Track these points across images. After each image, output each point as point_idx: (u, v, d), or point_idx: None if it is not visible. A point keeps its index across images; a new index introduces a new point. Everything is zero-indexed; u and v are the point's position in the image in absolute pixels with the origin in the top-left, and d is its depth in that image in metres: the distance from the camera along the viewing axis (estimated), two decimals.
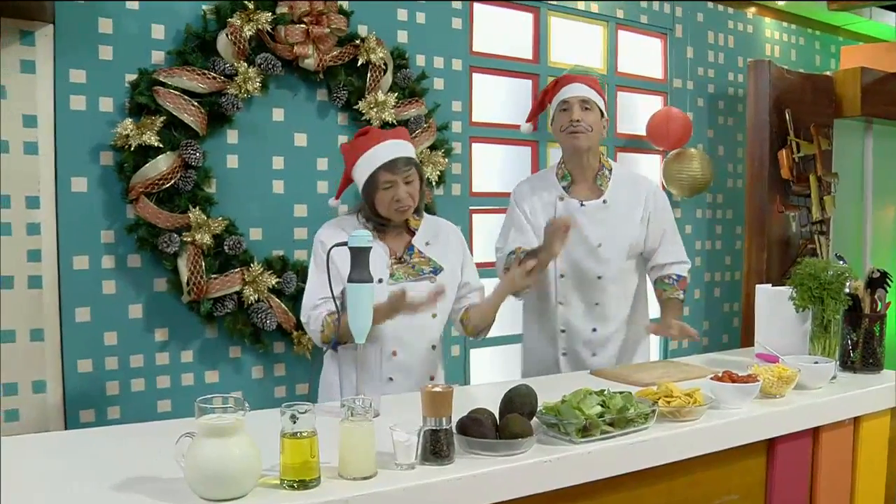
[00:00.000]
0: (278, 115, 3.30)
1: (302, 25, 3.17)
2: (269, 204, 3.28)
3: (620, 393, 1.78)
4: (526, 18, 4.03)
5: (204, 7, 3.08)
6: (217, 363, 3.22)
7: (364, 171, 2.34)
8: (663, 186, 4.42)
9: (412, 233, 2.43)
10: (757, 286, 2.65)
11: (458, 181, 3.78)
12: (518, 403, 1.63)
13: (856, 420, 2.23)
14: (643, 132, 4.31)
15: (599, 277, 2.68)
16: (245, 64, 3.08)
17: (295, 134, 3.35)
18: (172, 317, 3.10)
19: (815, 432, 2.13)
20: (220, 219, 3.05)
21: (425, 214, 2.51)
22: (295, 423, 1.38)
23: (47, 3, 2.72)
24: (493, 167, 3.97)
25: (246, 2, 3.07)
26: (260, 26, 3.08)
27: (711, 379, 1.98)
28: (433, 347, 2.40)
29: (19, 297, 2.83)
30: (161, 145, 2.91)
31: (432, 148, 3.56)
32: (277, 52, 3.16)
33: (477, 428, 1.55)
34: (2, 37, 2.76)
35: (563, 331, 2.72)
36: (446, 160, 3.60)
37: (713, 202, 4.72)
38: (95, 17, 2.92)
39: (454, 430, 1.55)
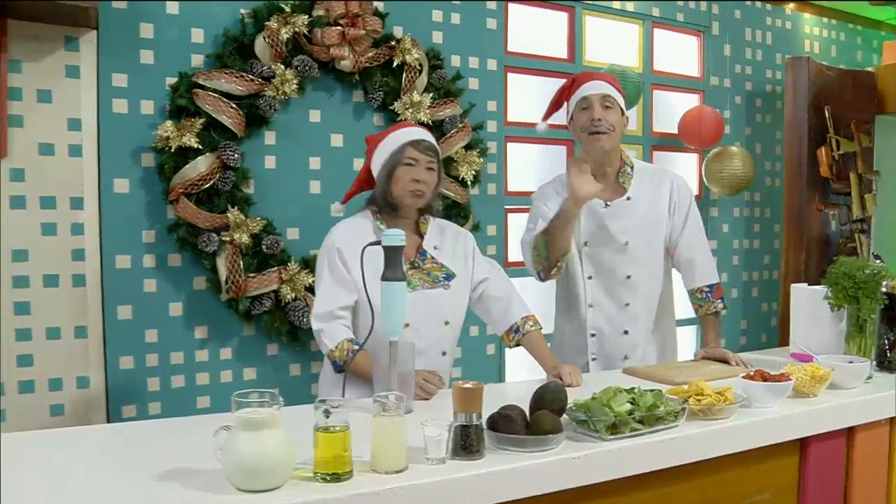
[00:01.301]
0: (315, 116, 3.35)
1: (338, 27, 3.21)
2: (306, 204, 3.33)
3: (651, 391, 1.78)
4: (561, 18, 4.04)
5: (242, 11, 3.14)
6: (255, 361, 3.28)
7: (389, 148, 2.29)
8: (703, 185, 4.39)
9: (422, 236, 2.38)
10: (792, 285, 2.62)
11: (494, 181, 3.80)
12: (548, 400, 1.65)
13: (892, 420, 2.20)
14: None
15: (629, 277, 2.63)
16: (282, 66, 3.13)
17: (331, 135, 3.40)
18: (212, 315, 3.16)
19: (849, 432, 2.10)
20: (258, 219, 3.11)
21: (431, 218, 2.44)
22: (328, 417, 1.41)
23: (91, 9, 2.79)
24: (528, 167, 3.98)
25: (283, 5, 3.12)
26: (297, 29, 3.14)
27: (743, 378, 1.97)
28: (443, 354, 2.36)
29: (64, 295, 2.91)
30: (200, 147, 2.98)
31: (467, 148, 3.58)
32: (314, 54, 3.21)
33: (507, 424, 1.56)
34: (47, 43, 2.85)
35: (593, 335, 2.67)
36: (481, 160, 3.62)
37: (751, 200, 4.67)
38: (137, 23, 2.99)
39: (485, 426, 1.57)
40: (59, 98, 2.88)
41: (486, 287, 2.43)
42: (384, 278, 1.86)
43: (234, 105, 3.04)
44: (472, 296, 2.44)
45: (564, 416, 1.68)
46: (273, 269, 3.14)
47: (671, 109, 4.33)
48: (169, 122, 2.96)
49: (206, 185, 3.00)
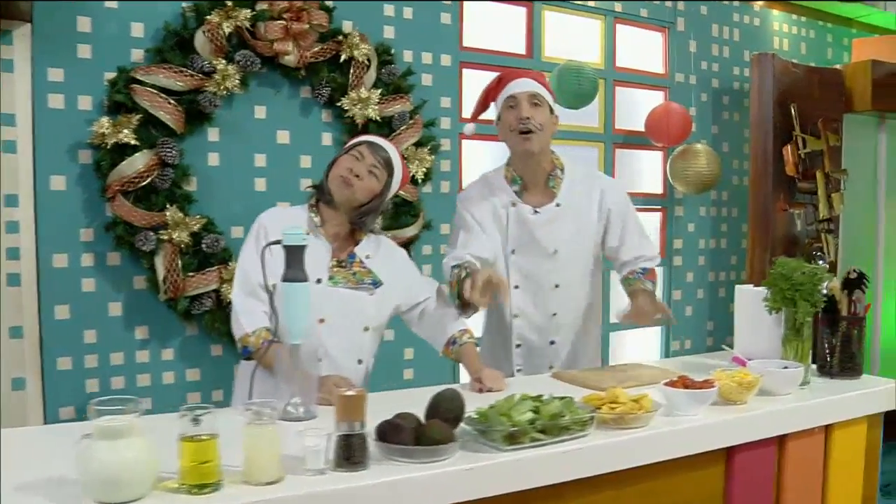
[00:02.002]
0: (260, 112, 3.29)
1: (281, 22, 3.15)
2: (250, 202, 3.25)
3: (561, 398, 1.72)
4: (519, 12, 3.97)
5: (183, 5, 3.07)
6: (198, 361, 3.22)
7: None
8: (668, 183, 4.32)
9: (356, 242, 2.32)
10: (736, 287, 2.57)
11: (448, 178, 3.73)
12: (443, 409, 1.58)
13: (827, 428, 2.13)
14: (643, 128, 4.22)
15: (557, 286, 2.55)
16: (224, 61, 3.07)
17: (277, 131, 3.34)
18: (152, 315, 3.10)
19: (780, 441, 2.03)
20: (198, 217, 3.04)
21: (369, 233, 2.36)
22: (198, 425, 1.35)
23: (25, 2, 2.73)
24: (485, 164, 3.90)
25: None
26: (239, 23, 3.07)
27: (665, 384, 1.91)
28: (359, 362, 2.28)
29: None
30: (138, 143, 2.91)
31: (418, 145, 3.51)
32: (257, 49, 3.15)
33: (395, 433, 1.50)
34: None
35: (518, 345, 2.59)
36: (432, 157, 3.56)
37: (718, 199, 4.61)
38: (74, 16, 2.93)
39: (375, 436, 1.51)
40: None
41: (426, 305, 2.38)
42: (285, 279, 1.80)
43: (172, 101, 2.97)
44: (412, 315, 2.38)
45: (463, 425, 1.62)
46: (213, 268, 3.07)
47: (635, 107, 4.27)
48: (105, 118, 2.90)
49: (144, 183, 2.94)
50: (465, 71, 3.80)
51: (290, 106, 3.36)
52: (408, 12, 3.59)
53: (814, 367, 2.35)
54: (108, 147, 2.89)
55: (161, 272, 2.99)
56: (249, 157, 3.28)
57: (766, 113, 4.13)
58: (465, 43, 3.80)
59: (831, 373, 2.32)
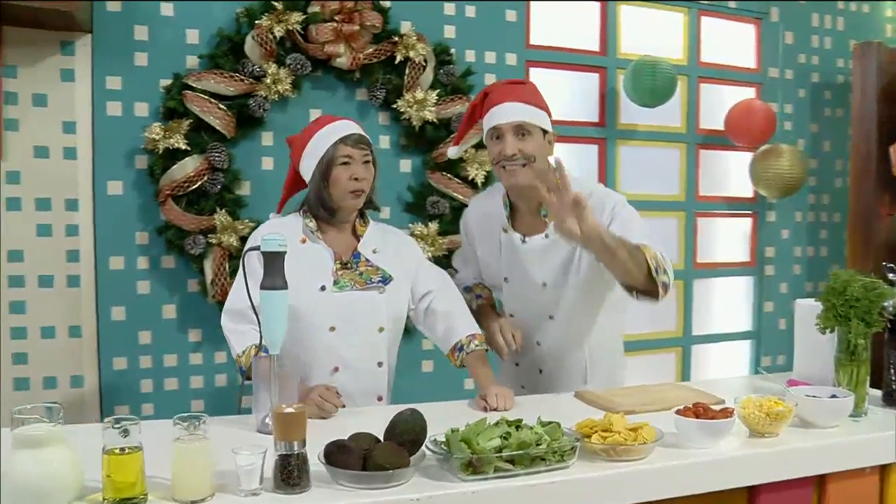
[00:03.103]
0: (315, 115, 3.26)
1: (332, 24, 3.11)
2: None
3: (547, 424, 1.57)
4: (593, 7, 3.77)
5: (237, 10, 3.09)
6: None
7: (319, 148, 2.14)
8: (754, 187, 4.01)
9: (358, 238, 2.23)
10: (796, 301, 2.31)
11: None
12: (398, 431, 1.46)
13: (883, 470, 1.85)
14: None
15: (551, 317, 2.33)
16: (275, 65, 3.06)
17: None
18: (205, 318, 3.13)
19: (820, 482, 1.78)
20: (247, 220, 3.05)
21: (371, 221, 2.29)
22: (126, 436, 1.30)
23: (85, 12, 2.82)
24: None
25: (275, 2, 3.05)
26: (290, 26, 3.06)
27: (676, 412, 1.71)
28: (379, 365, 2.19)
29: (59, 295, 2.96)
30: (189, 148, 2.95)
31: (478, 147, 3.39)
32: (309, 52, 3.12)
33: (342, 456, 1.40)
34: (43, 47, 2.90)
35: (517, 364, 2.45)
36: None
37: (816, 203, 4.23)
38: (131, 25, 3.00)
39: (322, 456, 1.42)
40: (54, 101, 2.92)
41: (431, 300, 2.25)
42: (262, 287, 1.73)
43: (221, 106, 2.99)
44: (418, 310, 2.27)
45: (427, 448, 1.50)
46: None
47: (722, 105, 3.96)
48: (156, 124, 2.95)
49: (194, 187, 2.97)
50: (532, 70, 3.65)
51: (346, 109, 3.31)
52: (470, 10, 3.48)
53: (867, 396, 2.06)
54: (160, 152, 2.95)
55: (209, 275, 3.01)
56: None
57: (869, 108, 3.75)
58: (532, 41, 3.65)
59: None
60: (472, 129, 2.48)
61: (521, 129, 2.20)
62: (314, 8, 3.12)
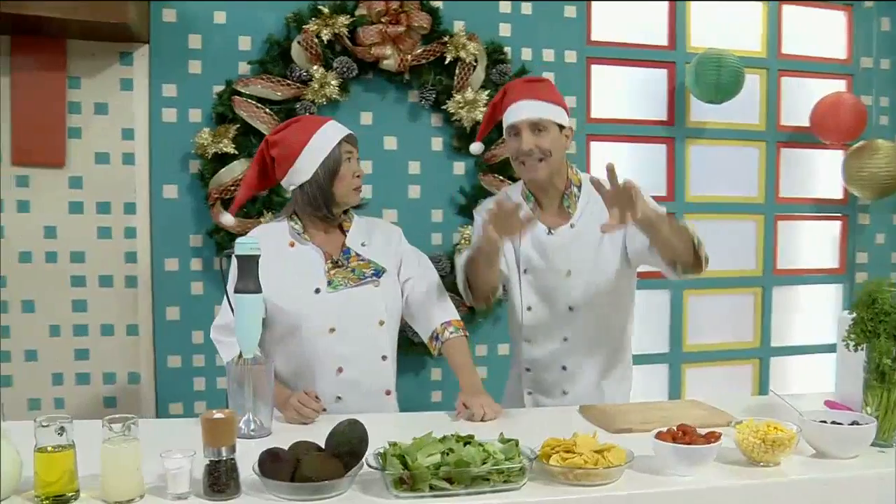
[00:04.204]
0: (366, 118, 3.27)
1: (378, 26, 3.10)
2: (356, 209, 3.25)
3: (507, 441, 1.48)
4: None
5: (287, 16, 3.13)
6: None
7: (325, 146, 2.15)
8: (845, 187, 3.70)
9: (345, 234, 2.23)
10: (841, 314, 2.09)
11: None
12: (334, 442, 1.41)
13: None
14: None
15: (571, 309, 2.30)
16: (322, 69, 3.08)
17: (384, 137, 3.30)
18: None
19: None
20: None
21: (354, 214, 2.30)
22: (62, 434, 1.33)
23: (143, 24, 2.95)
24: (621, 167, 3.55)
25: (321, 7, 3.07)
26: (336, 30, 3.07)
27: (655, 435, 1.57)
28: (384, 358, 2.17)
29: (117, 294, 3.09)
30: (237, 152, 3.02)
31: None
32: (357, 55, 3.13)
33: (272, 465, 1.36)
34: (104, 59, 3.04)
35: (528, 370, 2.39)
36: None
37: None
38: (186, 34, 3.10)
39: (256, 464, 1.39)
40: (114, 110, 3.06)
41: (410, 288, 2.25)
42: (236, 290, 1.73)
43: (267, 110, 3.04)
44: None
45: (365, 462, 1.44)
46: None
47: (808, 100, 3.65)
48: (206, 129, 3.03)
49: None
50: (593, 67, 3.51)
51: (397, 111, 3.31)
52: (526, 8, 3.39)
53: None
54: (210, 157, 3.03)
55: None
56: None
57: None
58: (594, 37, 3.51)
59: None
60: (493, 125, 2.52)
61: (538, 126, 2.25)
62: (361, 10, 3.13)
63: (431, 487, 1.37)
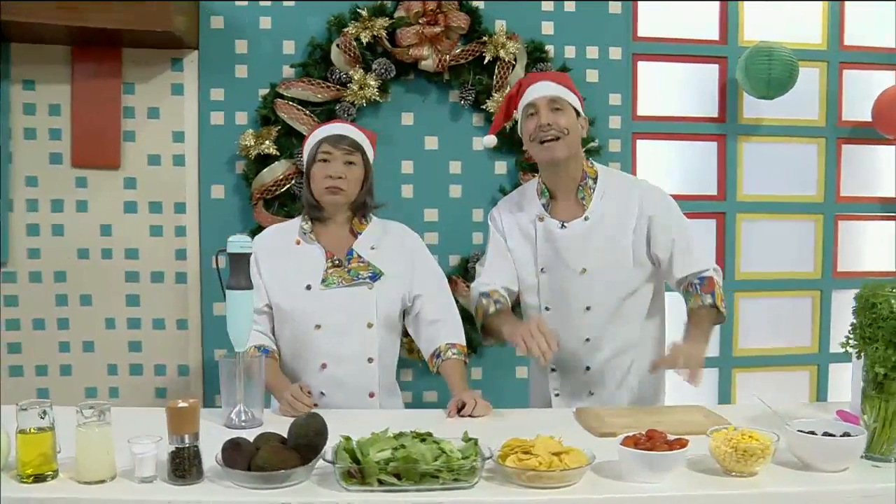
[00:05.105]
0: (407, 119, 3.31)
1: (416, 27, 3.14)
2: (397, 208, 3.26)
3: (469, 440, 1.49)
4: None
5: (329, 19, 3.20)
6: None
7: (307, 148, 2.28)
8: None
9: (356, 236, 2.27)
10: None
11: None
12: (292, 435, 1.46)
13: None
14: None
15: (588, 308, 2.25)
16: (362, 71, 3.14)
17: (425, 137, 3.33)
18: None
19: None
20: None
21: (374, 218, 2.34)
22: (43, 418, 1.42)
23: (193, 31, 3.09)
24: (668, 166, 3.50)
25: (359, 10, 3.13)
26: (375, 32, 3.12)
27: (622, 442, 1.53)
28: (370, 361, 2.20)
29: (168, 290, 3.24)
30: (279, 153, 3.11)
31: None
32: (397, 56, 3.17)
33: (232, 453, 1.42)
34: (156, 66, 3.19)
35: (553, 370, 2.34)
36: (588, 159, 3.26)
37: None
38: (233, 40, 3.21)
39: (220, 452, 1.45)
40: (165, 114, 3.21)
41: (420, 305, 2.26)
42: (227, 287, 1.80)
43: (307, 112, 3.12)
44: (410, 314, 2.28)
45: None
46: None
47: (871, 93, 3.47)
48: (250, 131, 3.14)
49: (282, 190, 3.13)
50: (640, 64, 3.44)
51: (439, 111, 3.33)
52: (569, 5, 3.35)
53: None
54: (253, 158, 3.13)
55: None
56: (397, 164, 3.32)
57: None
58: (640, 33, 3.43)
59: None
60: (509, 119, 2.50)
61: (555, 104, 2.25)
62: (400, 12, 3.17)
63: (381, 482, 1.39)
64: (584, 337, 2.30)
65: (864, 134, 3.53)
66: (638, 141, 3.45)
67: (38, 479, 1.41)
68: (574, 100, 2.30)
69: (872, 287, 1.67)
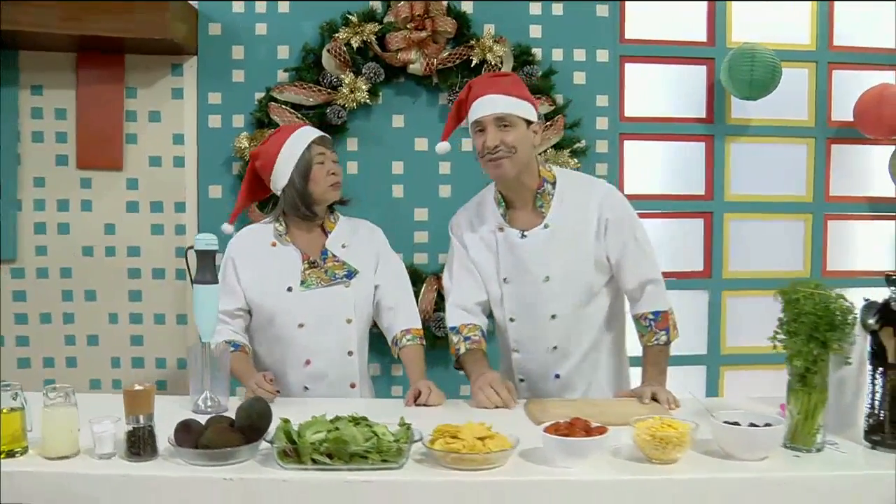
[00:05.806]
0: (398, 121, 3.41)
1: (404, 32, 3.23)
2: (387, 208, 3.39)
3: (403, 425, 1.59)
4: None
5: (321, 25, 3.31)
6: None
7: (294, 151, 2.30)
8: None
9: (327, 235, 2.36)
10: None
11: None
12: (239, 417, 1.58)
13: None
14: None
15: (554, 316, 2.26)
16: (352, 74, 3.24)
17: (415, 139, 3.42)
18: None
19: None
20: None
21: (341, 216, 2.43)
22: (15, 399, 1.56)
23: (192, 38, 3.23)
24: (655, 166, 3.55)
25: (350, 16, 3.24)
26: (365, 37, 3.23)
27: (545, 428, 1.60)
28: (349, 354, 2.31)
29: (169, 286, 3.38)
30: None
31: (557, 147, 3.33)
32: (386, 61, 3.27)
33: (182, 434, 1.55)
34: (157, 71, 3.33)
35: (521, 380, 2.37)
36: (575, 161, 3.34)
37: None
38: (230, 46, 3.34)
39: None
40: (166, 117, 3.35)
41: (380, 294, 2.37)
42: (195, 281, 1.91)
43: (299, 115, 3.23)
44: (375, 305, 2.38)
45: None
46: None
47: (860, 92, 3.49)
48: (244, 133, 3.26)
49: None
50: (627, 66, 3.50)
51: (428, 113, 3.42)
52: (557, 8, 3.42)
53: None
54: (248, 159, 3.25)
55: None
56: (387, 165, 3.42)
57: None
58: (628, 35, 3.49)
59: (882, 441, 1.70)
60: (460, 123, 2.44)
61: (503, 121, 2.20)
62: (389, 18, 3.27)
63: (314, 461, 1.49)
64: (552, 345, 2.30)
65: (853, 134, 3.54)
66: (625, 141, 3.50)
67: (10, 454, 1.54)
68: (524, 109, 2.22)
69: (796, 284, 1.72)
